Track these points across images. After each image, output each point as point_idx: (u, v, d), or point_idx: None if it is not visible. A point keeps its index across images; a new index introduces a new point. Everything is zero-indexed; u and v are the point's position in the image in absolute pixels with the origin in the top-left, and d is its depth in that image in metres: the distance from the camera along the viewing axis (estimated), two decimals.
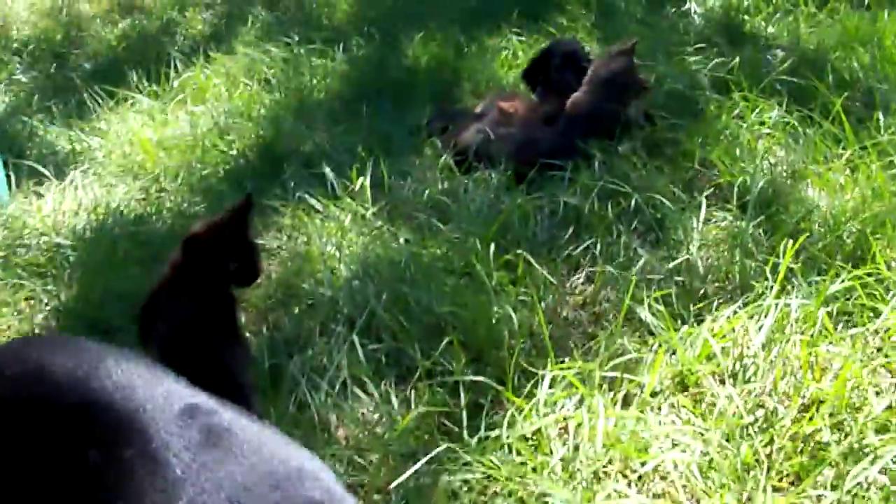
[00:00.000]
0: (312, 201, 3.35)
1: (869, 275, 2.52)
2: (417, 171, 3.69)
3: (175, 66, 5.24)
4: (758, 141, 3.52)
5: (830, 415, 2.18)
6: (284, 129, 4.29)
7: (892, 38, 4.32)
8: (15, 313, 3.10)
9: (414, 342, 2.54)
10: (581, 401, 2.25)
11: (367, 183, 3.32)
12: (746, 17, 5.19)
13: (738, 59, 4.11)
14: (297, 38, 5.55)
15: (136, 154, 4.27)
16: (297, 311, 2.84)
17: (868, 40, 4.40)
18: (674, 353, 2.41)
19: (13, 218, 3.73)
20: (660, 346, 2.42)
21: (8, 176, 4.08)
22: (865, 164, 3.13)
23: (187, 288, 2.34)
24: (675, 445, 2.15)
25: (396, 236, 3.09)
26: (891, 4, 4.75)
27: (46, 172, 4.08)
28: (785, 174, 3.28)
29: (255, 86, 5.01)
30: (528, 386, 2.31)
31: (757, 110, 3.62)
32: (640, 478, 2.10)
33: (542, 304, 2.70)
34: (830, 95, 3.55)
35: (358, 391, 2.41)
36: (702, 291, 2.71)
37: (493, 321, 2.58)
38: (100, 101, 4.95)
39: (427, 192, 3.40)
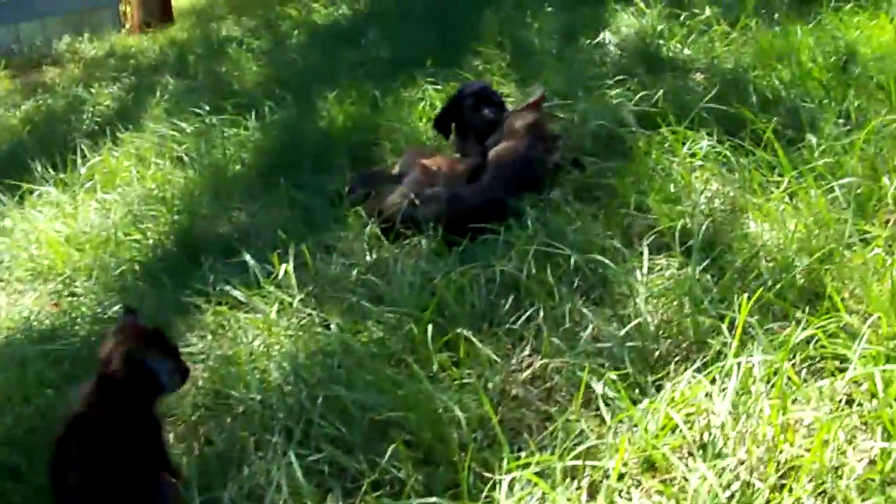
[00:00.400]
0: (235, 293, 3.14)
1: (828, 316, 2.38)
2: (343, 245, 3.51)
3: (82, 150, 5.01)
4: (691, 175, 3.40)
5: (809, 479, 2.03)
6: (200, 212, 4.09)
7: (807, 53, 4.26)
8: None
9: (357, 449, 2.34)
10: (543, 499, 2.08)
11: (291, 268, 3.12)
12: (661, 41, 5.11)
13: (661, 91, 4.00)
14: (207, 108, 5.36)
15: (45, 254, 4.04)
16: (228, 420, 2.64)
17: (784, 56, 4.34)
18: (635, 426, 2.25)
19: None
20: (620, 423, 2.25)
21: None
22: (804, 189, 3.02)
23: (102, 421, 2.15)
24: None
25: (327, 325, 2.89)
26: (800, 19, 4.71)
27: None
28: (724, 209, 3.16)
29: (168, 165, 4.81)
30: (486, 488, 2.12)
31: (687, 143, 3.50)
32: None
33: (489, 385, 2.54)
34: (758, 120, 3.45)
35: None
36: (656, 352, 2.55)
37: (439, 413, 2.39)
38: (3, 196, 4.70)
39: (356, 270, 3.22)
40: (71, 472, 2.08)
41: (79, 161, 4.94)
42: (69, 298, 3.68)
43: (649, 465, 2.20)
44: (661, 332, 2.65)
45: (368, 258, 3.34)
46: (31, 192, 4.69)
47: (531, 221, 3.21)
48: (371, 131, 4.74)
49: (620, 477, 2.15)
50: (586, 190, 3.55)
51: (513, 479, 2.09)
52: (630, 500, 2.12)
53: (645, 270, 2.84)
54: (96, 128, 6.18)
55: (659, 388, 2.39)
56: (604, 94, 4.35)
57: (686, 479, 2.08)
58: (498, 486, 2.10)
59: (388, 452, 2.27)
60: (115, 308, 3.43)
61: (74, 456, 2.10)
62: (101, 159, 4.93)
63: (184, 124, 5.19)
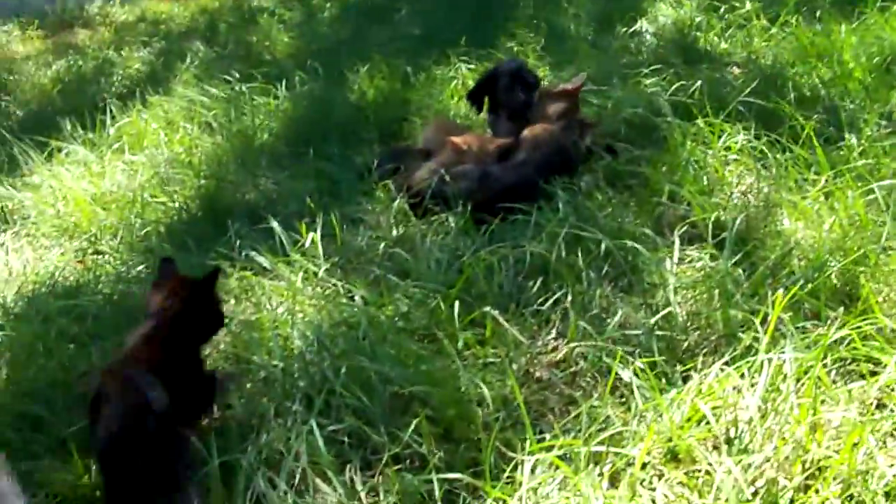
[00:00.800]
0: (261, 259, 3.12)
1: (864, 318, 2.34)
2: (370, 219, 3.49)
3: (111, 111, 4.98)
4: (725, 168, 3.36)
5: (837, 481, 2.00)
6: (227, 178, 4.07)
7: (850, 52, 4.20)
8: None
9: (378, 421, 2.32)
10: (563, 484, 2.05)
11: (318, 237, 3.10)
12: (699, 33, 5.06)
13: (697, 83, 3.94)
14: (237, 76, 5.33)
15: (71, 212, 4.02)
16: (249, 386, 2.62)
17: (825, 55, 4.28)
18: (661, 415, 2.22)
19: None
20: (646, 411, 2.22)
21: None
22: (841, 190, 2.97)
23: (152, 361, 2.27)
24: None
25: (352, 296, 2.86)
26: (843, 18, 4.64)
27: None
28: (758, 205, 3.11)
29: (196, 130, 4.77)
30: (508, 468, 2.09)
31: (722, 136, 3.45)
32: None
33: (514, 366, 2.51)
34: (797, 117, 3.40)
35: (319, 482, 2.18)
36: (685, 343, 2.52)
37: (463, 391, 2.37)
38: (32, 153, 4.68)
39: (382, 243, 3.20)
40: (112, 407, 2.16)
41: (108, 122, 4.92)
42: (94, 256, 3.66)
43: (673, 456, 2.17)
44: (690, 324, 2.62)
45: (395, 232, 3.32)
46: (60, 151, 4.67)
47: (562, 204, 3.18)
48: (402, 107, 4.70)
49: (644, 466, 2.12)
50: (619, 177, 3.51)
51: (536, 461, 2.07)
52: (653, 489, 2.09)
53: (675, 260, 2.81)
54: (125, 90, 6.17)
55: (686, 380, 2.36)
56: (639, 82, 4.30)
57: (710, 473, 2.06)
58: (520, 466, 2.07)
59: (411, 427, 2.25)
60: (140, 268, 3.43)
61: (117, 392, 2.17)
62: (130, 121, 4.90)
63: (213, 90, 5.17)
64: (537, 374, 2.54)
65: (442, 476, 2.10)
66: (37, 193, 4.31)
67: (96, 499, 2.30)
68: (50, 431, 2.51)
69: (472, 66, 4.91)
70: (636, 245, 2.88)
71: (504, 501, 2.02)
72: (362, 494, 2.15)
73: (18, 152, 4.71)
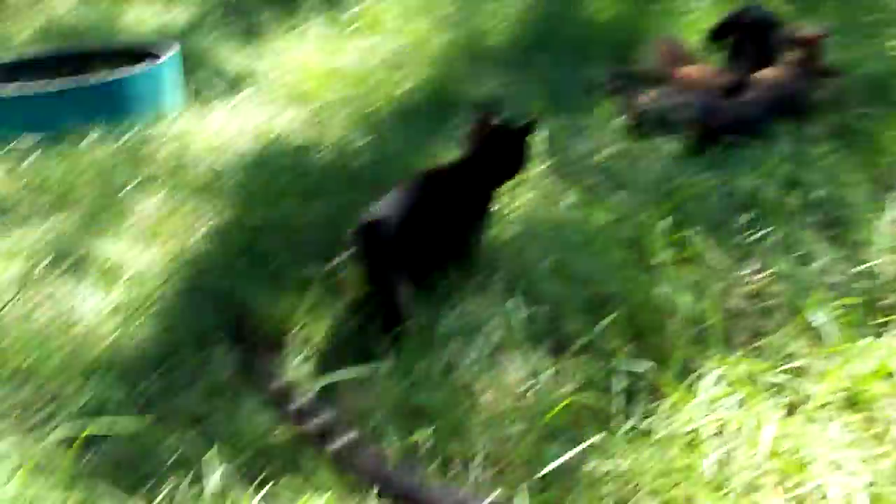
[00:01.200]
0: None
1: None
2: (590, 131, 3.56)
3: None
4: None
5: None
6: (455, 72, 4.21)
7: None
8: (175, 230, 3.14)
9: (573, 313, 2.43)
10: (742, 403, 2.12)
11: (538, 138, 3.20)
12: None
13: None
14: None
15: (305, 81, 4.26)
16: None
17: None
18: (848, 362, 2.24)
19: (182, 133, 3.77)
20: (833, 354, 2.25)
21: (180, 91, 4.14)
22: None
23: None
24: (839, 468, 2.00)
25: (563, 198, 2.97)
26: None
27: (215, 91, 4.11)
28: None
29: (428, 23, 4.93)
30: (688, 379, 2.17)
31: None
32: (797, 497, 1.95)
33: (710, 288, 2.56)
34: None
35: (508, 358, 2.32)
36: (884, 301, 2.51)
37: (659, 302, 2.44)
38: (275, 23, 4.95)
39: (599, 154, 3.27)
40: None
41: (349, 2, 5.13)
42: (321, 123, 3.88)
43: (852, 404, 2.20)
44: (892, 285, 2.60)
45: (613, 149, 3.38)
46: (301, 24, 4.92)
47: (783, 146, 3.17)
48: (633, 32, 4.71)
49: (823, 406, 2.16)
50: (846, 132, 3.45)
51: (718, 377, 2.14)
52: (825, 429, 2.12)
53: (889, 220, 2.77)
54: None
55: (879, 336, 2.36)
56: (883, 41, 4.16)
57: (889, 426, 2.08)
58: (702, 379, 2.14)
59: (603, 322, 2.35)
60: (363, 141, 3.62)
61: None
62: (370, 6, 5.10)
63: None
64: (732, 302, 2.58)
65: (626, 369, 2.19)
66: (276, 61, 4.57)
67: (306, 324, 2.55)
68: (268, 264, 2.74)
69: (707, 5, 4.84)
70: (851, 198, 2.85)
71: (681, 407, 2.10)
72: (547, 375, 2.27)
73: (263, 22, 4.98)
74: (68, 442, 2.15)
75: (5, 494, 2.00)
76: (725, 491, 1.94)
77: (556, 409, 2.13)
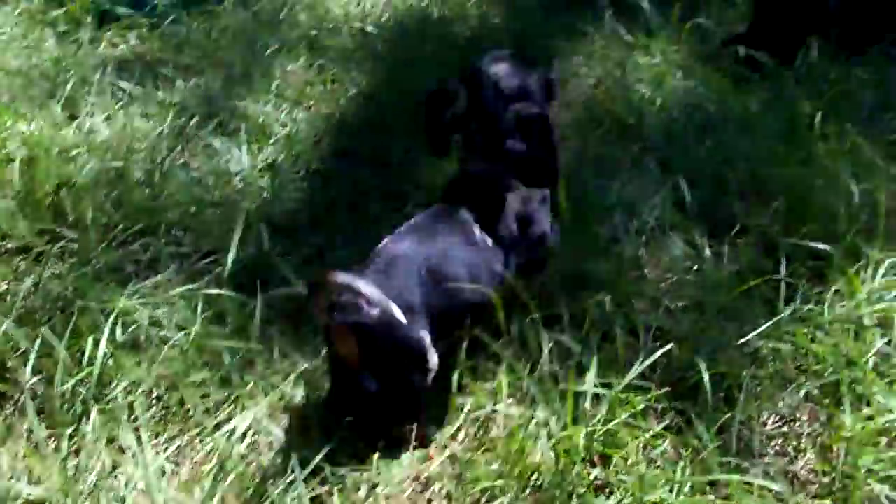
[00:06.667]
0: (628, 37, 3.23)
1: None
2: None
3: None
4: None
5: None
6: None
7: None
8: (321, 93, 3.18)
9: (732, 196, 2.43)
10: None
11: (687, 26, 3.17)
12: None
13: None
14: None
15: None
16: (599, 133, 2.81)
17: None
18: None
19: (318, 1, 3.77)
20: None
21: None
22: None
23: None
24: None
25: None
26: None
27: None
28: None
29: None
30: (854, 268, 2.15)
31: None
32: None
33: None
34: None
35: (670, 235, 2.34)
36: None
37: (821, 190, 2.42)
38: None
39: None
40: None
41: None
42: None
43: None
44: None
45: None
46: None
47: None
48: None
49: None
50: None
51: (888, 267, 2.12)
52: None
53: None
54: None
55: None
56: None
57: None
58: (869, 267, 2.14)
59: (761, 206, 2.35)
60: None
61: None
62: None
63: None
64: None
65: (788, 252, 2.18)
66: None
67: None
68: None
69: None
70: None
71: (845, 294, 2.10)
72: (707, 253, 2.28)
73: None
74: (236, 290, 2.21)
75: (188, 342, 2.07)
76: (890, 379, 1.95)
77: (723, 289, 2.15)
